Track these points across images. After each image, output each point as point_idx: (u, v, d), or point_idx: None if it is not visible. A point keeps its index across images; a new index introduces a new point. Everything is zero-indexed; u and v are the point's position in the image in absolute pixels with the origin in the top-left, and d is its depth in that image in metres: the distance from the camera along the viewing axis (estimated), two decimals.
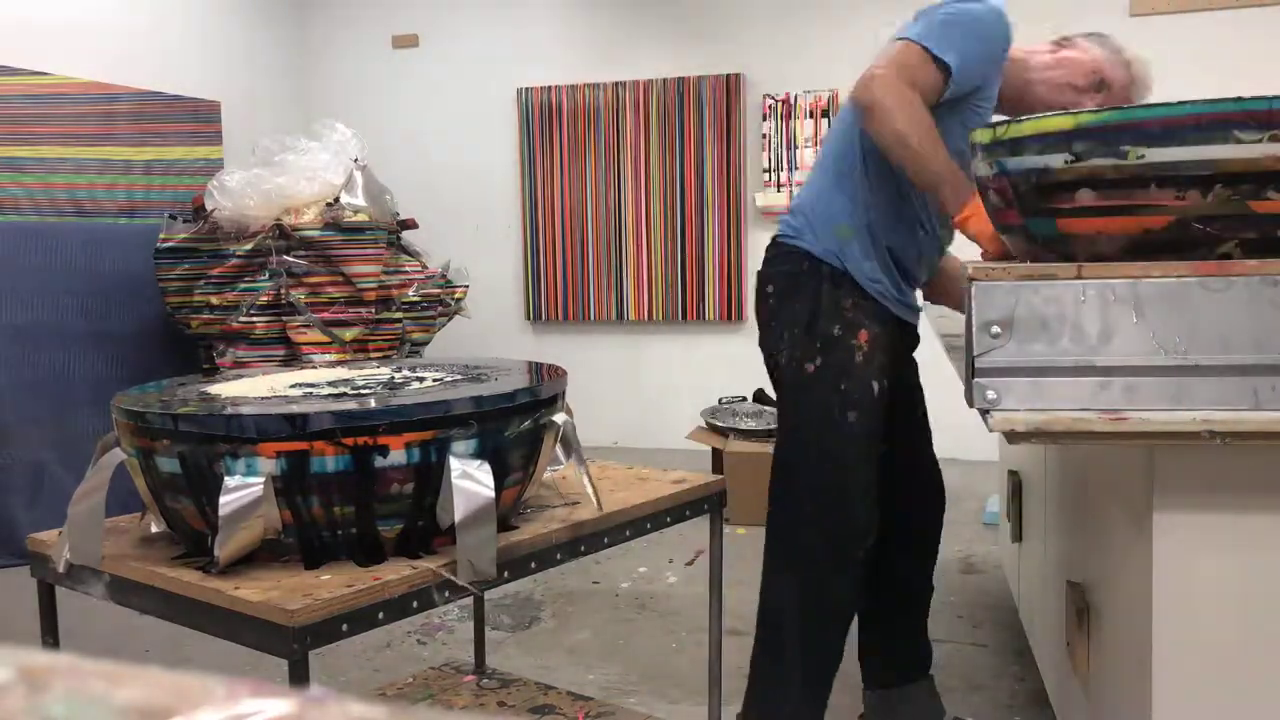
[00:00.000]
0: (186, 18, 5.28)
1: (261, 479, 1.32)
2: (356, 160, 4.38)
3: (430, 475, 1.40)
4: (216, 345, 4.24)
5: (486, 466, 1.39)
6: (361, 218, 4.22)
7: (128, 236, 4.60)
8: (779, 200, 5.47)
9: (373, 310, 4.27)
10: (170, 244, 4.28)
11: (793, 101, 5.46)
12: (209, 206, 4.20)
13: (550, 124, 5.89)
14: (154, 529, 1.53)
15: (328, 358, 4.15)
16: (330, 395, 1.54)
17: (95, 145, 4.59)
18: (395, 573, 1.34)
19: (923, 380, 2.25)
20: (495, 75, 6.01)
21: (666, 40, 5.72)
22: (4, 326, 4.08)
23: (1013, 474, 2.78)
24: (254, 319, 4.14)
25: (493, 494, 1.37)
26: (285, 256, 4.12)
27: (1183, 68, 4.75)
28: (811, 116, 5.43)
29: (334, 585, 1.29)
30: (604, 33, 5.85)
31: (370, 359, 4.40)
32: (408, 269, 4.44)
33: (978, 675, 2.67)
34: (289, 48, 6.13)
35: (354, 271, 4.18)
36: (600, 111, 5.79)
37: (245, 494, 1.31)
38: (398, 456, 1.37)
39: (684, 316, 5.76)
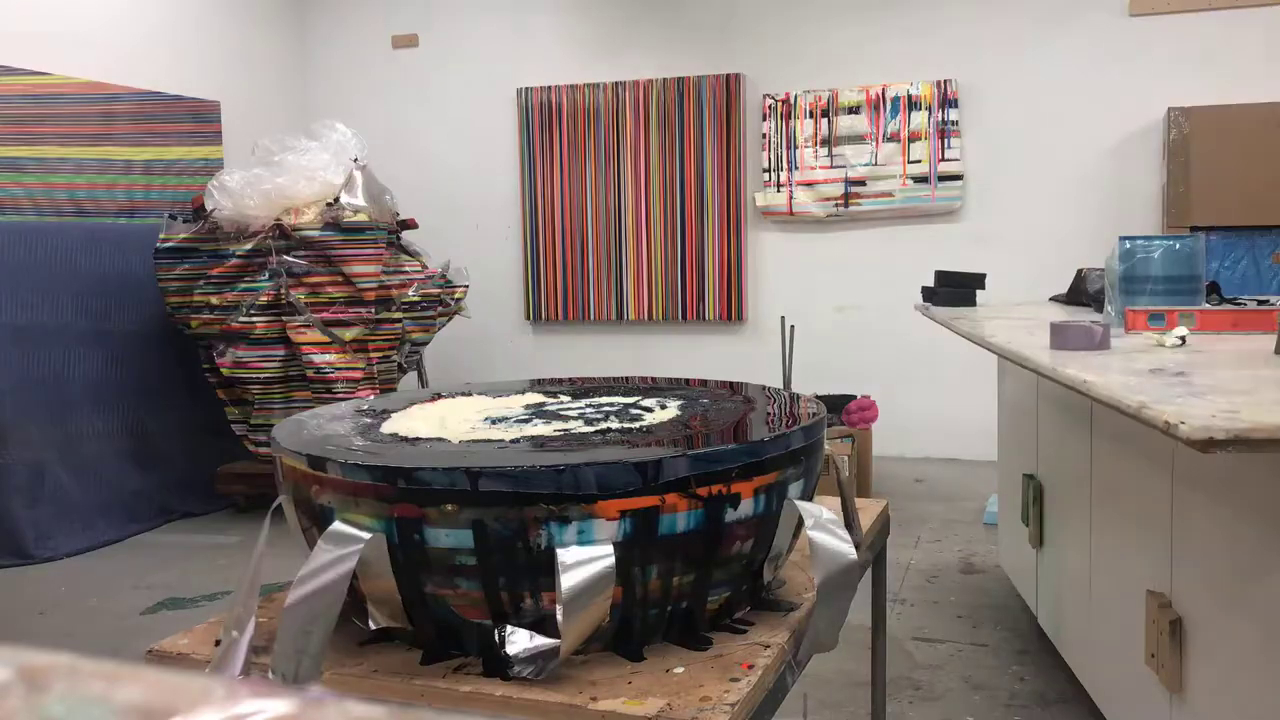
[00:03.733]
0: (186, 18, 5.28)
1: (607, 546, 1.07)
2: (356, 160, 4.38)
3: (766, 529, 1.18)
4: (216, 345, 4.24)
5: (834, 516, 1.18)
6: (361, 218, 4.22)
7: (128, 236, 4.60)
8: (779, 200, 5.47)
9: (373, 310, 4.27)
10: (170, 244, 4.28)
11: (793, 101, 5.46)
12: (209, 206, 4.20)
13: (550, 124, 5.89)
14: (373, 625, 1.20)
15: (328, 357, 4.15)
16: (594, 429, 1.28)
17: (95, 145, 4.59)
18: (750, 656, 1.12)
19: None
20: (495, 75, 6.01)
21: (667, 40, 5.72)
22: (4, 326, 4.08)
23: (1029, 478, 2.71)
24: (254, 319, 4.14)
25: (854, 552, 1.16)
26: (285, 256, 4.12)
27: (1183, 68, 4.75)
28: (811, 116, 5.42)
29: (706, 680, 1.07)
30: (604, 33, 5.85)
31: (389, 359, 4.40)
32: (408, 269, 4.44)
33: (978, 675, 2.67)
34: (289, 48, 6.13)
35: (354, 271, 4.17)
36: (600, 111, 5.79)
37: (593, 566, 1.06)
38: (746, 507, 1.14)
39: (684, 316, 5.76)
